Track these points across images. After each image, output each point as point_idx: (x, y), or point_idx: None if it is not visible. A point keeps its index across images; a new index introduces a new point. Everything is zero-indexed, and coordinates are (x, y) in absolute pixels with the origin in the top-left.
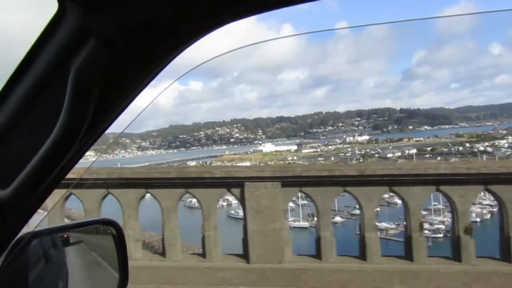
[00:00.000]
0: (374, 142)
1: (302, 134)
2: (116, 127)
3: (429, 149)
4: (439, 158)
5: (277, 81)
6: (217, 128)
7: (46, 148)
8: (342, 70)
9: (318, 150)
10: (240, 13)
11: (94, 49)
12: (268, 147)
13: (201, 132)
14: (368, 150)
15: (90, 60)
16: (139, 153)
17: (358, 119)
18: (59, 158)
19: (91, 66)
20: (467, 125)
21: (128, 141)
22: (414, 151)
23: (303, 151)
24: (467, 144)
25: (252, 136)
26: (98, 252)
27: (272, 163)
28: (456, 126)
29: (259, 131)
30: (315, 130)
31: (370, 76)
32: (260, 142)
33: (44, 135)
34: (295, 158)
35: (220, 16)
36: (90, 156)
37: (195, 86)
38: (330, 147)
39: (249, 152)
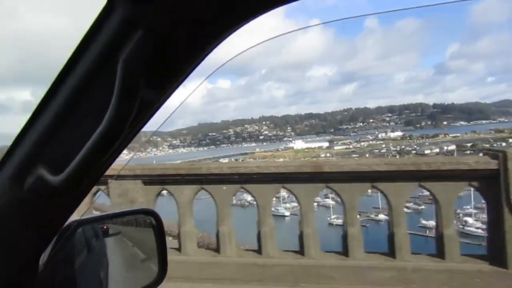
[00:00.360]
0: (408, 138)
1: (332, 130)
2: (147, 126)
3: (469, 145)
4: (481, 154)
5: (305, 78)
6: (246, 125)
7: (94, 139)
8: (371, 65)
9: (351, 146)
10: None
11: (140, 41)
12: (298, 144)
13: (230, 130)
14: (403, 147)
15: (137, 51)
16: (170, 151)
17: (390, 115)
18: (105, 150)
19: (138, 58)
20: (506, 120)
21: (159, 139)
22: (453, 147)
23: (335, 147)
24: (510, 140)
25: (281, 133)
26: (137, 243)
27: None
28: (494, 121)
29: (288, 128)
30: (345, 126)
31: (400, 71)
32: (290, 139)
33: (93, 127)
34: (328, 155)
35: (258, 4)
36: (123, 155)
37: (223, 85)
38: (362, 143)
39: (279, 149)
